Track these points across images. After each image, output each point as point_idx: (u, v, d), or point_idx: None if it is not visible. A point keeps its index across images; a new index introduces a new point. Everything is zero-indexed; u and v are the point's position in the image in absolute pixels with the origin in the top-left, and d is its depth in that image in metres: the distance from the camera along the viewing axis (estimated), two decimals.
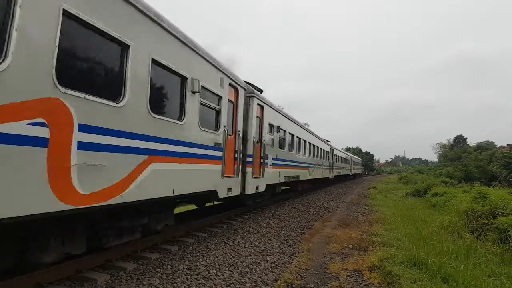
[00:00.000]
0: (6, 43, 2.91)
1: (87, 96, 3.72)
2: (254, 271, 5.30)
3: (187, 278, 4.78)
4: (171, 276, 4.79)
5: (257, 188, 9.75)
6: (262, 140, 10.21)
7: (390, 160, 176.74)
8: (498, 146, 57.58)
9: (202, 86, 6.31)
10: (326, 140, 26.11)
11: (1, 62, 2.86)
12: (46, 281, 4.01)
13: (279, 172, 12.12)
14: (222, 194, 7.50)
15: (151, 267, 5.11)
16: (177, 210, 8.32)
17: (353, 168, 48.31)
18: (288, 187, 17.20)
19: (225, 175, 7.55)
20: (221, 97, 7.39)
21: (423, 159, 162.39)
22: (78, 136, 3.62)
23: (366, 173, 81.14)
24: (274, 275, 5.16)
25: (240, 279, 4.89)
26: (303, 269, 5.62)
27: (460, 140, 73.12)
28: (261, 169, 10.16)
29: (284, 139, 13.11)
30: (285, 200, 15.19)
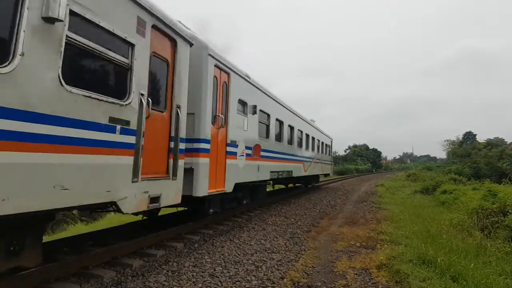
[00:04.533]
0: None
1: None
2: (260, 269, 5.26)
3: (193, 275, 4.77)
4: (177, 273, 4.78)
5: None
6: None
7: (398, 157, 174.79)
8: (508, 142, 56.67)
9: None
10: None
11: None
12: (52, 278, 4.02)
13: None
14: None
15: (157, 264, 5.12)
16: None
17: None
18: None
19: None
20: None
21: (431, 156, 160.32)
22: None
23: (373, 170, 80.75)
24: (280, 273, 5.11)
25: (246, 277, 4.86)
26: (310, 267, 5.57)
27: (469, 137, 71.94)
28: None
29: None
30: (291, 197, 15.19)
